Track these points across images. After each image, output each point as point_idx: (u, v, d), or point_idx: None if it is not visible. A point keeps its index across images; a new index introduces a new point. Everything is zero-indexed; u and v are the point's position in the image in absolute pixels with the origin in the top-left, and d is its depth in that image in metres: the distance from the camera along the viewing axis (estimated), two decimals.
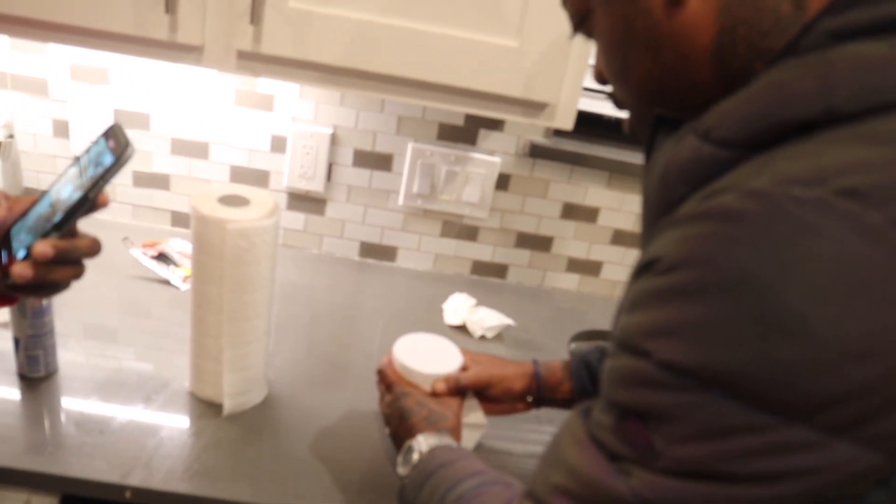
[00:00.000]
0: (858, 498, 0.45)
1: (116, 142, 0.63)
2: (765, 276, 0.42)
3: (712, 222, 0.45)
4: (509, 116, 1.12)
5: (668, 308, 0.46)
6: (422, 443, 0.83)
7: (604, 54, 0.62)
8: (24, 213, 0.66)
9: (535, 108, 1.11)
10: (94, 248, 0.67)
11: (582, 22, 0.63)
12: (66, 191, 0.64)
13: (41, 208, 0.65)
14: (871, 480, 0.44)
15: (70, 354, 1.12)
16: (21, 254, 0.63)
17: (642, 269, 0.50)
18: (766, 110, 0.47)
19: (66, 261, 0.65)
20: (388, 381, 0.98)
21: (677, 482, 0.46)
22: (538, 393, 1.02)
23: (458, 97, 1.10)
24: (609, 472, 0.49)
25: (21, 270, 0.62)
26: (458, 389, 0.98)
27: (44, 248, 0.62)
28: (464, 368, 1.03)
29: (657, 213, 0.54)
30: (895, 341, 0.41)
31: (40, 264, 0.63)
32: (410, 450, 0.84)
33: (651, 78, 0.58)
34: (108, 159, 0.63)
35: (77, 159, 0.66)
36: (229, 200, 0.98)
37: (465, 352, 1.05)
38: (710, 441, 0.45)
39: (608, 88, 0.65)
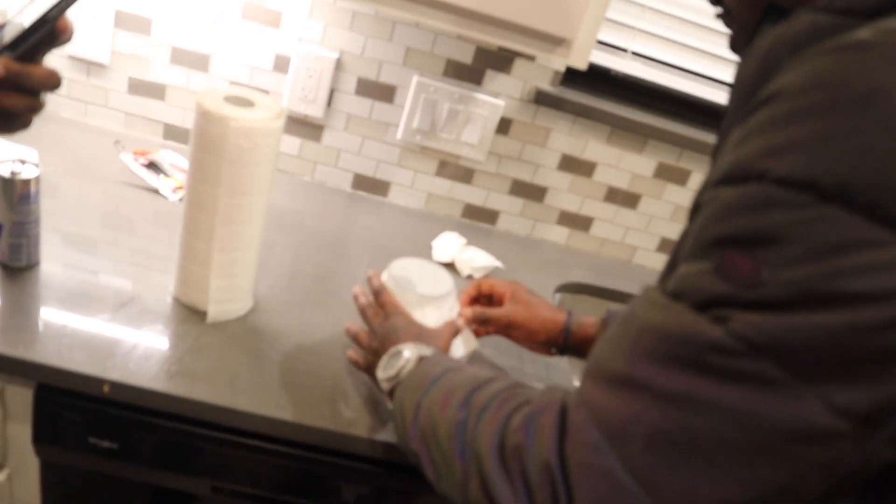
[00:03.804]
0: None
1: None
2: None
3: (845, 52, 0.44)
4: (525, 48, 1.10)
5: (790, 128, 0.44)
6: (411, 348, 0.81)
7: None
8: None
9: (552, 42, 1.09)
10: (51, 80, 0.64)
11: None
12: (28, 15, 0.62)
13: (0, 33, 0.63)
14: None
15: (50, 261, 1.08)
16: None
17: (756, 107, 0.48)
18: None
19: (19, 88, 0.62)
20: (382, 301, 0.96)
21: (782, 316, 0.44)
22: (564, 345, 1.02)
23: (475, 23, 1.08)
24: (700, 322, 0.47)
25: None
26: (484, 321, 0.98)
27: None
28: (498, 298, 1.03)
29: (754, 89, 0.52)
30: None
31: None
32: (398, 354, 0.81)
33: None
34: None
35: None
36: (236, 101, 0.95)
37: (509, 283, 1.06)
38: (823, 259, 0.43)
39: (719, 9, 0.65)
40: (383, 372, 0.82)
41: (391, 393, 0.82)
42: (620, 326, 0.54)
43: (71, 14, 0.62)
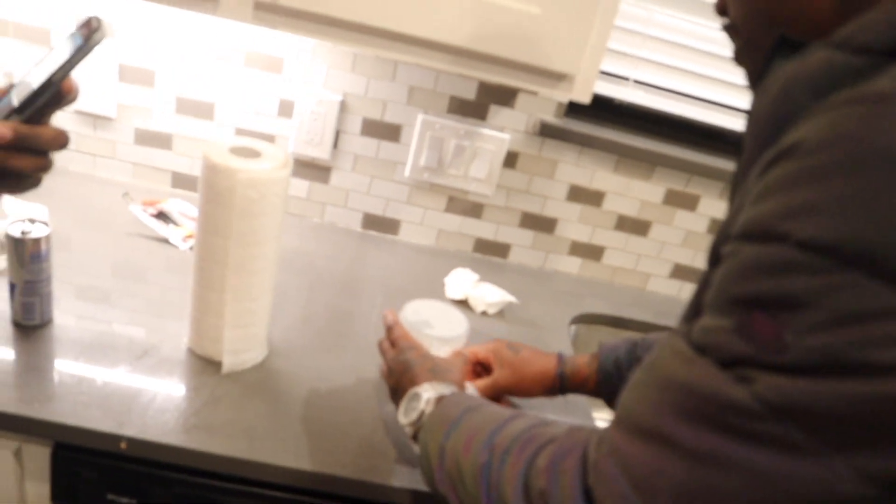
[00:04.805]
0: None
1: (89, 28, 0.62)
2: None
3: (867, 105, 0.42)
4: (527, 85, 1.10)
5: (811, 187, 0.43)
6: (428, 389, 0.81)
7: None
8: None
9: (554, 78, 1.09)
10: (59, 140, 0.64)
11: None
12: (34, 77, 0.62)
13: (9, 96, 0.63)
14: None
15: (63, 314, 1.08)
16: None
17: (775, 160, 0.47)
18: None
19: (27, 148, 0.63)
20: (394, 337, 0.96)
21: (805, 381, 0.43)
22: (562, 390, 1.03)
23: (476, 62, 1.08)
24: (724, 381, 0.46)
25: None
26: None
27: (1, 129, 0.60)
28: (484, 366, 1.03)
29: (771, 131, 0.50)
30: None
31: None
32: (416, 396, 0.81)
33: None
34: (77, 43, 0.61)
35: (51, 49, 0.64)
36: (241, 152, 0.95)
37: (490, 345, 1.05)
38: (847, 327, 0.41)
39: (725, 20, 0.64)
40: (405, 417, 0.82)
41: (415, 436, 0.81)
42: (647, 373, 0.53)
43: (75, 72, 0.62)
